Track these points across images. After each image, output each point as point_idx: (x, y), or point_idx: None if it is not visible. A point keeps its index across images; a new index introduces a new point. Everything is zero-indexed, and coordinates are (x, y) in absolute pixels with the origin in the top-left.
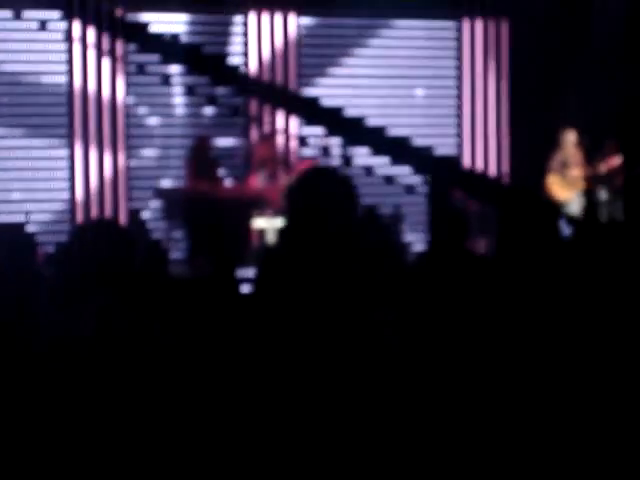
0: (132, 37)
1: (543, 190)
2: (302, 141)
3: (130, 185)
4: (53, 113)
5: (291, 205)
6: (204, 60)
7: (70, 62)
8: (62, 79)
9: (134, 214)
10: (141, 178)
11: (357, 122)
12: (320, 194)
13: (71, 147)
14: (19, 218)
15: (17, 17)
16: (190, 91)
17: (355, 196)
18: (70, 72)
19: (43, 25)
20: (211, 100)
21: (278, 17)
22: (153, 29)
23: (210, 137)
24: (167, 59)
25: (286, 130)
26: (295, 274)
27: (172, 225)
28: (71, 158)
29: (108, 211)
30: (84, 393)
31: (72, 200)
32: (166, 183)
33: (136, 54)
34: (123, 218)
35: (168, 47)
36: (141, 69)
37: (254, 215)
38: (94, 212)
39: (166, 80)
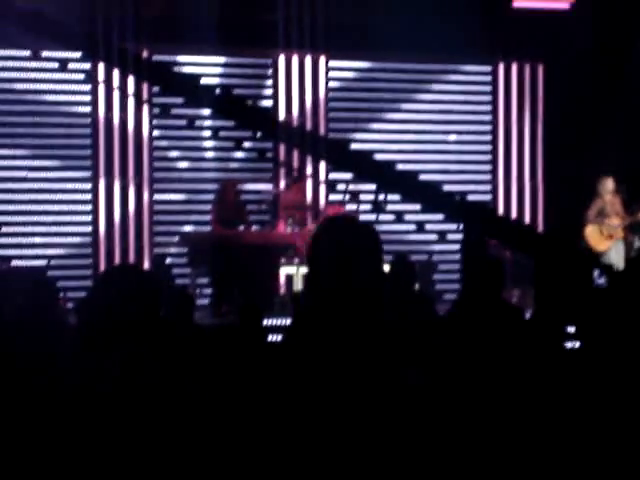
0: (158, 79)
1: (580, 239)
2: (331, 186)
3: (154, 224)
4: (78, 147)
5: (314, 256)
6: (232, 103)
7: (95, 99)
8: (88, 115)
9: (159, 258)
10: (165, 220)
11: (388, 167)
12: (343, 245)
13: (95, 182)
14: (40, 262)
15: (43, 57)
16: (217, 134)
17: (378, 246)
18: (95, 109)
19: (65, 65)
20: (238, 144)
21: (308, 60)
22: (179, 71)
23: (237, 182)
24: (193, 101)
25: (315, 175)
26: (321, 326)
27: (198, 271)
28: (95, 193)
29: (131, 249)
30: (108, 442)
31: (95, 234)
32: (191, 227)
33: (162, 95)
34: (147, 258)
35: (194, 89)
36: (167, 110)
37: (281, 262)
38: (117, 248)
39: (192, 122)
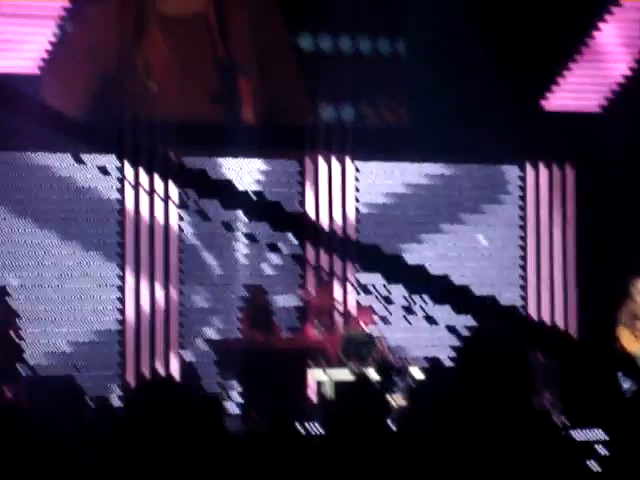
0: (185, 180)
1: (613, 341)
2: (360, 289)
3: (182, 325)
4: (107, 237)
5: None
6: (260, 205)
7: (122, 192)
8: (116, 209)
9: (187, 365)
10: (193, 320)
11: (417, 269)
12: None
13: (123, 274)
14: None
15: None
16: (246, 236)
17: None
18: (123, 202)
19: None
20: (271, 247)
21: (335, 162)
22: (208, 173)
23: (266, 285)
24: (222, 203)
25: (344, 278)
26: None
27: (227, 377)
28: (122, 286)
29: (159, 346)
30: None
31: (123, 323)
32: (219, 327)
33: (190, 195)
34: (174, 359)
35: (222, 191)
36: (195, 210)
37: (310, 366)
38: (144, 342)
39: (221, 223)
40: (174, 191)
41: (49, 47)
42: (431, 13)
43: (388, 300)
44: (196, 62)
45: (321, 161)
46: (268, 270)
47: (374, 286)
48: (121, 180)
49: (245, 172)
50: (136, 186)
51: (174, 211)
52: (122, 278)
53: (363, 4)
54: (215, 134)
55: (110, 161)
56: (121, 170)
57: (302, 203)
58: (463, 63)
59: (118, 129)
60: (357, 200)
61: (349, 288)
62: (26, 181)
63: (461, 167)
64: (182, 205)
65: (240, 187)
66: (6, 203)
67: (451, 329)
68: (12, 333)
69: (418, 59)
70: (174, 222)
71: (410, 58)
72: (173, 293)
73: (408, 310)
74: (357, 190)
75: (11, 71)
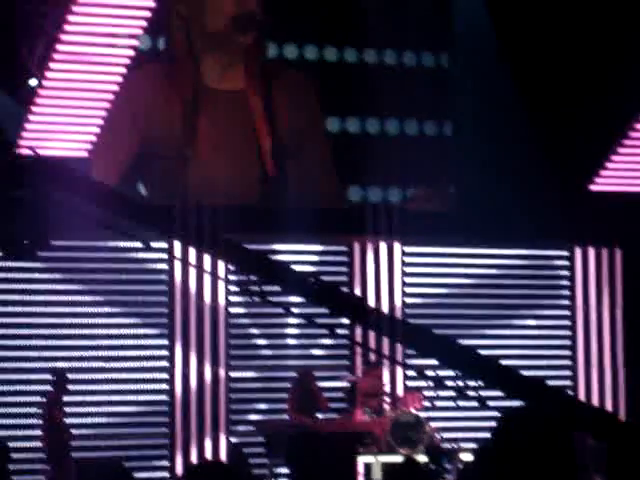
0: (235, 261)
1: None
2: (410, 372)
3: (230, 402)
4: (155, 311)
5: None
6: (308, 287)
7: (172, 267)
8: (164, 281)
9: (236, 448)
10: (241, 398)
11: (466, 353)
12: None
13: (172, 348)
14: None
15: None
16: (295, 317)
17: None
18: (171, 276)
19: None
20: (320, 329)
21: (383, 245)
22: (258, 255)
23: (314, 369)
24: (271, 285)
25: (392, 360)
26: None
27: (275, 460)
28: (171, 359)
29: (207, 424)
30: None
31: (172, 396)
32: (266, 408)
33: (240, 276)
34: (222, 440)
35: (272, 273)
36: (244, 290)
37: (359, 450)
38: (193, 418)
39: (270, 303)
40: (222, 270)
41: (97, 129)
42: (479, 95)
43: (437, 383)
44: (243, 141)
45: (369, 245)
46: (317, 352)
47: (423, 370)
48: (170, 258)
49: (293, 255)
50: (185, 264)
51: (223, 290)
52: (171, 360)
53: (409, 86)
54: (263, 217)
55: (161, 240)
56: (170, 249)
57: (350, 286)
58: (511, 146)
59: (168, 209)
60: (404, 284)
61: (398, 371)
62: (79, 260)
63: (510, 251)
64: (232, 285)
65: (289, 269)
66: (57, 281)
67: (501, 412)
68: (62, 412)
69: (465, 141)
70: (223, 301)
71: (457, 140)
72: (222, 372)
73: (457, 393)
74: (405, 274)
75: (63, 155)
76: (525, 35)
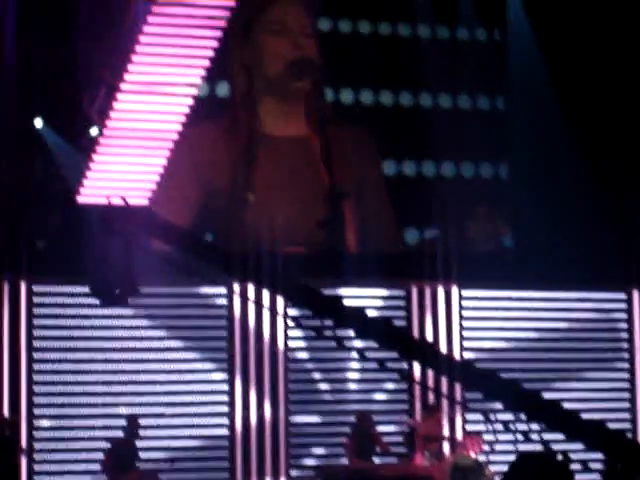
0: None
1: None
2: (470, 416)
3: (291, 447)
4: (215, 348)
5: None
6: (369, 330)
7: (231, 305)
8: (223, 317)
9: None
10: (301, 442)
11: (526, 397)
12: None
13: (231, 385)
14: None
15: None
16: (355, 359)
17: None
18: (231, 314)
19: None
20: (380, 372)
21: (441, 290)
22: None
23: (374, 412)
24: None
25: (452, 402)
26: None
27: None
28: (231, 395)
29: (267, 463)
30: None
31: (232, 434)
32: (326, 455)
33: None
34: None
35: (333, 315)
36: (306, 329)
37: None
38: (253, 458)
39: (332, 344)
40: (281, 308)
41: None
42: (534, 134)
43: (497, 427)
44: (302, 186)
45: (427, 289)
46: (377, 395)
47: (484, 413)
48: (231, 297)
49: (354, 299)
50: (244, 302)
51: (282, 331)
52: (231, 403)
53: (466, 128)
54: (322, 261)
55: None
56: (230, 289)
57: (409, 329)
58: (568, 187)
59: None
60: (461, 324)
61: (457, 415)
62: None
63: (567, 294)
64: (293, 324)
65: (350, 311)
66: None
67: (562, 455)
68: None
69: (521, 183)
70: (282, 341)
71: (513, 182)
72: (281, 412)
73: (524, 436)
74: (461, 314)
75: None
76: (580, 76)
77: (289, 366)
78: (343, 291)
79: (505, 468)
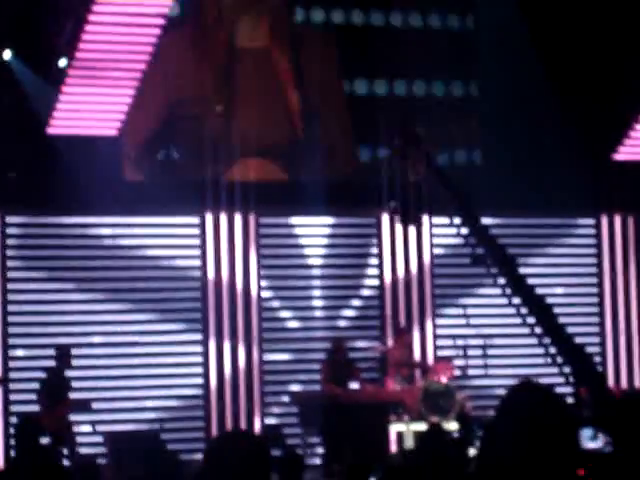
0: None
1: None
2: (439, 340)
3: (264, 384)
4: (189, 308)
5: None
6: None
7: (204, 262)
8: (197, 278)
9: (269, 423)
10: (275, 379)
11: (495, 319)
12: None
13: (205, 341)
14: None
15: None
16: (323, 290)
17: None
18: (204, 271)
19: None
20: (349, 301)
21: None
22: (286, 232)
23: (346, 339)
24: (298, 259)
25: (422, 330)
26: None
27: (308, 430)
28: (205, 352)
29: (242, 406)
30: None
31: (206, 390)
32: (300, 385)
33: (271, 251)
34: (257, 417)
35: (299, 248)
36: (272, 267)
37: (391, 419)
38: (228, 407)
39: (299, 278)
40: (253, 250)
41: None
42: (507, 63)
43: (467, 351)
44: (272, 99)
45: (396, 217)
46: (347, 324)
47: (453, 337)
48: (203, 242)
49: (321, 229)
50: (217, 248)
51: (254, 270)
52: (205, 343)
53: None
54: (291, 191)
55: (190, 221)
56: (202, 227)
57: (379, 258)
58: (535, 114)
59: (198, 188)
60: (433, 254)
61: (428, 341)
62: (104, 248)
63: (537, 220)
64: (260, 264)
65: (317, 243)
66: (84, 270)
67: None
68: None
69: (491, 108)
70: (253, 282)
71: (483, 103)
72: (254, 351)
73: (487, 360)
74: (432, 243)
75: (94, 134)
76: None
77: (262, 309)
78: (310, 220)
79: (475, 392)
